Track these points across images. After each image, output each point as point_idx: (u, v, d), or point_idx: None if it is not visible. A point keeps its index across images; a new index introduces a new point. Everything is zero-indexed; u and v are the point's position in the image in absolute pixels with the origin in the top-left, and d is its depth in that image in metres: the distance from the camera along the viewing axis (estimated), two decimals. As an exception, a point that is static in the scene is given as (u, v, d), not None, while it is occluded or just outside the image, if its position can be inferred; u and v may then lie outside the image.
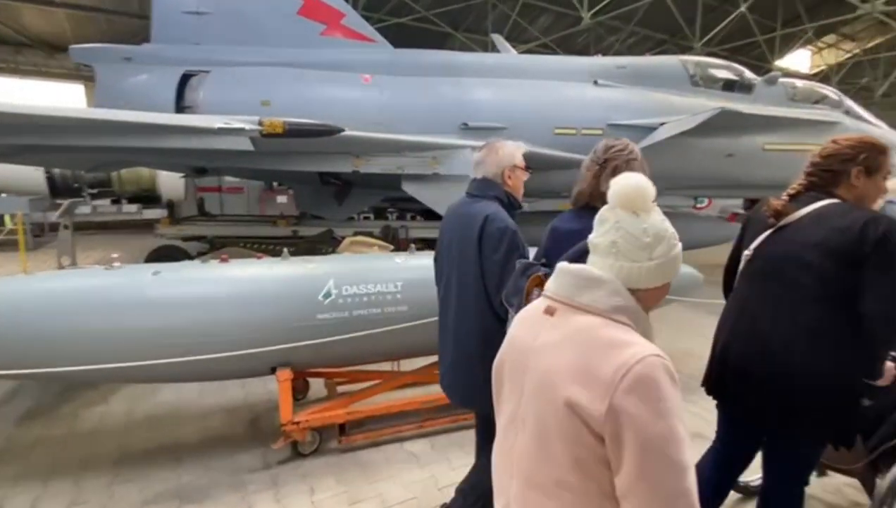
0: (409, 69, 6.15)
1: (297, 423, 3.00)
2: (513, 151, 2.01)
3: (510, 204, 1.98)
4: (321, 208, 6.87)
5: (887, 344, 1.66)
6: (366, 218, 8.76)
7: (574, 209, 1.79)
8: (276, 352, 2.83)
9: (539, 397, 0.98)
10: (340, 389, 3.78)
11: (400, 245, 5.69)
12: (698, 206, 10.61)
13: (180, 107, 5.27)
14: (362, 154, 5.03)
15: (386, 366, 3.75)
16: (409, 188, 5.37)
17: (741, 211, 12.55)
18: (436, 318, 3.13)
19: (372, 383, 3.65)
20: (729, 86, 7.43)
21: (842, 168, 1.75)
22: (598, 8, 13.52)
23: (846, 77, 20.63)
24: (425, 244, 6.49)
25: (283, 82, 5.48)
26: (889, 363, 1.73)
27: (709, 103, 6.85)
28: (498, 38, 9.55)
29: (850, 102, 8.19)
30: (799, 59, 20.94)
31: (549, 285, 1.08)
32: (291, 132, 4.27)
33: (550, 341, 0.99)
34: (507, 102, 6.28)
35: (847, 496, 2.88)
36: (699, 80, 7.32)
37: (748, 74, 7.66)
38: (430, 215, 5.76)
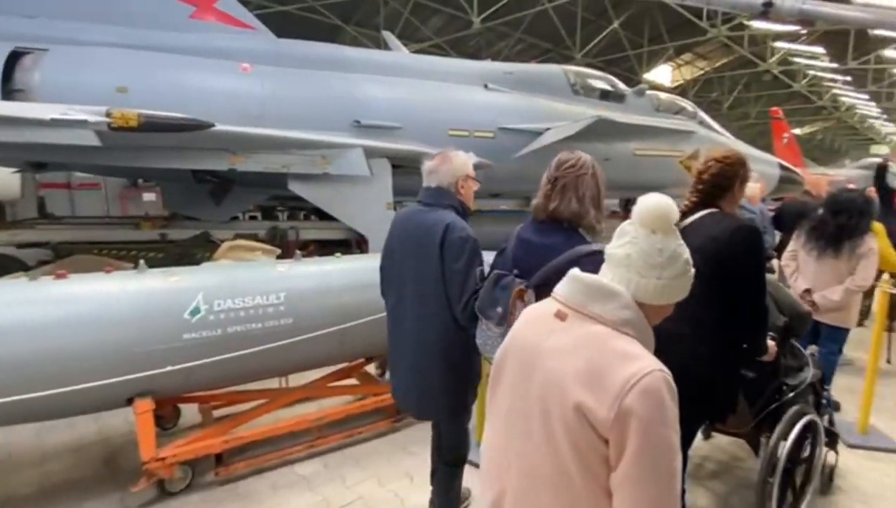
0: (294, 61, 5.79)
1: (163, 459, 2.64)
2: (465, 161, 2.07)
3: (463, 213, 2.04)
4: (195, 207, 6.21)
5: (765, 328, 2.00)
6: (252, 218, 8.15)
7: (537, 222, 1.78)
8: (131, 381, 2.46)
9: (547, 397, 1.03)
10: (218, 413, 3.43)
11: (289, 249, 5.34)
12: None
13: (7, 91, 4.40)
14: (240, 151, 4.61)
15: (273, 383, 3.48)
16: (297, 188, 5.05)
17: (618, 209, 13.88)
18: (326, 330, 3.01)
19: (256, 403, 3.36)
20: (605, 95, 8.09)
21: (728, 183, 2.01)
22: (487, 13, 14.00)
23: (699, 91, 23.74)
24: (321, 247, 6.19)
25: (143, 67, 4.83)
26: (770, 342, 2.08)
27: (588, 111, 7.39)
28: (389, 36, 9.43)
29: (702, 114, 9.41)
30: (662, 74, 23.63)
31: (561, 289, 1.13)
32: (149, 126, 3.75)
33: (561, 345, 1.05)
34: (402, 102, 6.20)
35: (731, 453, 3.31)
36: (579, 88, 7.86)
37: (621, 85, 8.42)
38: (327, 213, 5.47)
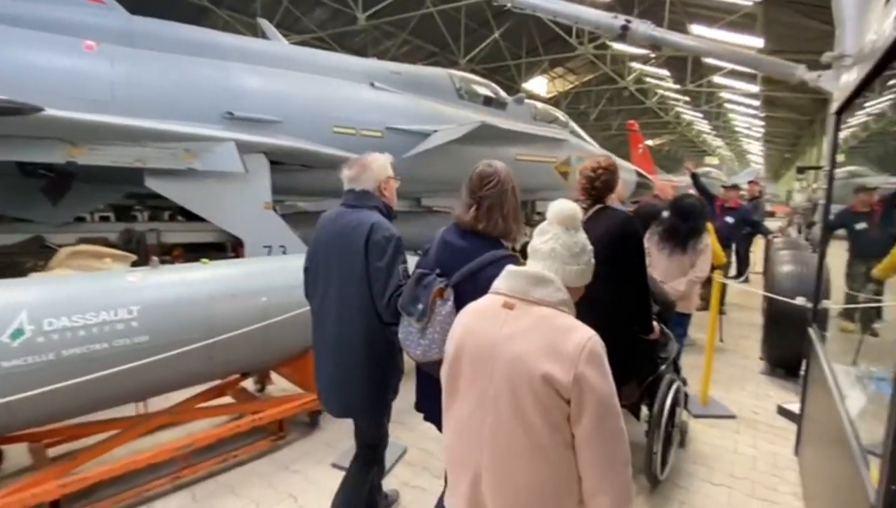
0: (153, 42, 5.13)
1: (-27, 518, 2.14)
2: (384, 163, 2.16)
3: (388, 212, 2.12)
4: (26, 207, 5.21)
5: (649, 304, 2.49)
6: (104, 219, 7.08)
7: (459, 229, 1.82)
8: (-80, 426, 1.95)
9: (514, 376, 1.20)
10: (55, 451, 2.89)
11: (147, 254, 4.72)
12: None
13: None
14: (81, 141, 3.94)
15: (129, 408, 3.02)
16: (155, 185, 4.47)
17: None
18: (191, 346, 2.68)
19: (107, 435, 2.90)
20: (488, 102, 8.41)
21: (613, 186, 2.48)
22: (373, 11, 13.83)
23: (570, 103, 25.97)
24: (187, 251, 5.56)
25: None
26: (654, 323, 2.52)
27: (472, 116, 7.62)
28: (266, 24, 8.84)
29: (573, 124, 10.27)
30: (538, 85, 25.41)
31: (502, 284, 1.32)
32: (-51, 107, 3.04)
33: (517, 329, 1.23)
34: (282, 94, 5.82)
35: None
36: (464, 93, 8.07)
37: (502, 92, 8.83)
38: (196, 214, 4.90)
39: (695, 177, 7.93)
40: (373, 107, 6.76)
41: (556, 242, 1.31)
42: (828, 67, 5.01)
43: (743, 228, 6.86)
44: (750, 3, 11.49)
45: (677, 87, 22.01)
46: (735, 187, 7.22)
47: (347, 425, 2.24)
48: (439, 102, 7.57)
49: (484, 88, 8.62)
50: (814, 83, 4.91)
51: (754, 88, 18.26)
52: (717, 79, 19.08)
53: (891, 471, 1.12)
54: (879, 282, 4.69)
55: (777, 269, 4.66)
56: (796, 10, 11.12)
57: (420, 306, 1.70)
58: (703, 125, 36.06)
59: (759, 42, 12.70)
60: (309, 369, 3.37)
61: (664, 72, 22.13)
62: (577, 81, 26.62)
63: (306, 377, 3.40)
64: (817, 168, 12.95)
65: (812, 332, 3.00)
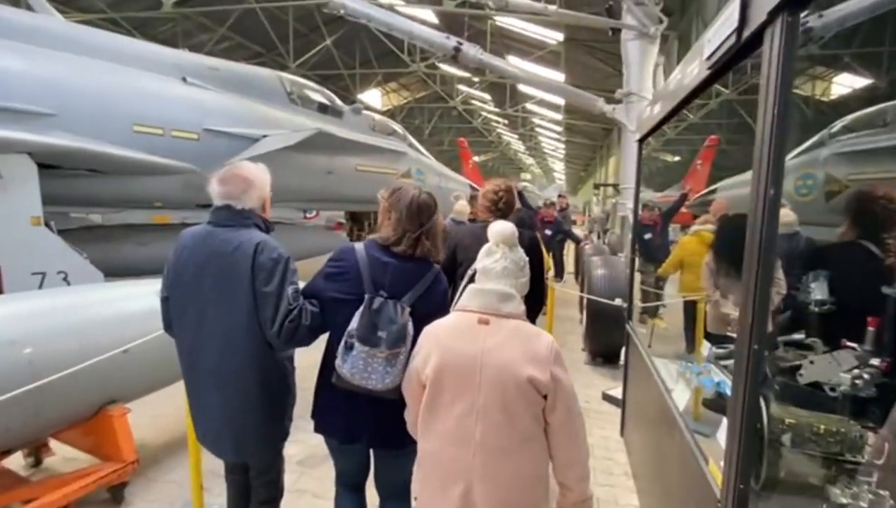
0: None
1: None
2: (266, 179, 1.95)
3: (266, 229, 1.94)
4: None
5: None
6: None
7: (381, 244, 1.79)
8: None
9: (503, 383, 1.38)
10: None
11: None
12: (307, 216, 11.25)
13: None
14: None
15: None
16: None
17: (343, 221, 14.16)
18: None
19: None
20: (323, 109, 8.02)
21: (513, 202, 2.71)
22: (183, -3, 12.21)
23: (405, 118, 26.62)
24: None
25: None
26: None
27: (307, 122, 7.18)
28: (36, -7, 7.10)
29: (411, 138, 10.44)
30: (373, 98, 25.54)
31: (472, 302, 1.48)
32: None
33: (498, 341, 1.41)
34: (59, 82, 4.65)
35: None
36: (296, 98, 7.56)
37: (339, 101, 8.52)
38: None
39: (520, 194, 8.75)
40: (186, 104, 5.87)
41: (506, 260, 1.50)
42: (619, 101, 5.93)
43: (558, 236, 7.80)
44: (555, 42, 13.23)
45: (497, 110, 24.28)
46: (552, 205, 8.18)
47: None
48: (268, 105, 6.94)
49: (318, 94, 8.21)
50: (610, 114, 5.75)
51: (558, 117, 21.14)
52: (529, 106, 21.56)
53: (739, 469, 1.21)
54: (662, 278, 5.67)
55: (591, 272, 5.30)
56: (589, 53, 13.16)
57: (383, 334, 1.64)
58: (518, 145, 40.58)
59: (561, 76, 14.73)
60: (105, 430, 2.66)
61: (487, 96, 24.22)
62: (410, 96, 27.48)
63: (102, 441, 2.66)
64: (611, 185, 15.56)
65: (629, 327, 3.40)
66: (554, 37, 13.09)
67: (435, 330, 1.52)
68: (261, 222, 1.90)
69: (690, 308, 4.34)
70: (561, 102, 18.14)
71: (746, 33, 1.27)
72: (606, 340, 5.05)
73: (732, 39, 1.34)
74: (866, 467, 1.39)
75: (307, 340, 1.80)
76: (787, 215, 4.61)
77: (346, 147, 7.55)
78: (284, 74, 7.86)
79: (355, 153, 7.93)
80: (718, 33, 1.45)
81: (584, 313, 5.66)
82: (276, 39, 14.77)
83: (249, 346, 1.81)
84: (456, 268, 2.66)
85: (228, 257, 1.79)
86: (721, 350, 2.74)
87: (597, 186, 17.45)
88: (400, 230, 1.76)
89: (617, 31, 5.95)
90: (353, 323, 1.67)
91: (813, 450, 1.41)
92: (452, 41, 5.56)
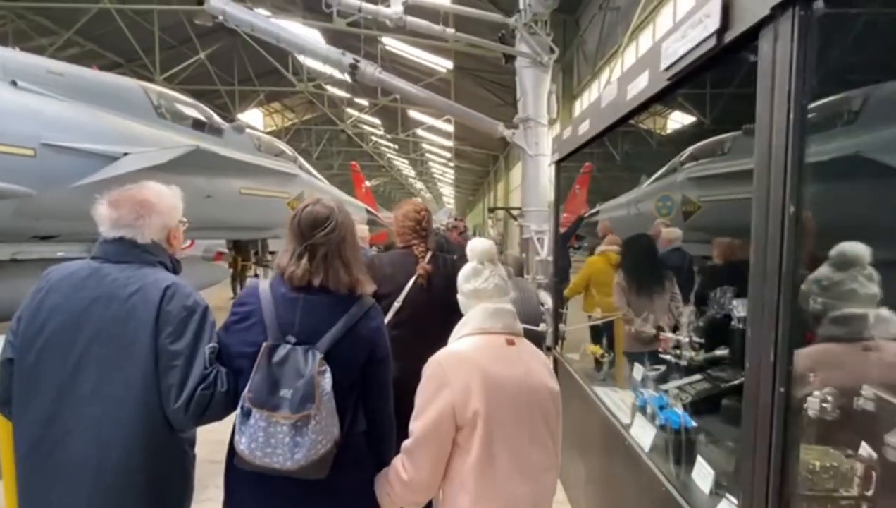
0: None
1: None
2: (174, 203, 1.51)
3: (174, 267, 1.50)
4: None
5: None
6: None
7: (285, 280, 1.41)
8: None
9: (541, 404, 1.39)
10: None
11: None
12: (182, 247, 9.91)
13: None
14: None
15: None
16: None
17: (225, 250, 12.67)
18: None
19: None
20: (199, 125, 7.10)
21: (431, 224, 2.49)
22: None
23: (291, 140, 25.31)
24: None
25: None
26: None
27: (180, 139, 6.27)
28: None
29: (301, 159, 9.75)
30: (254, 118, 24.00)
31: (495, 324, 1.41)
32: None
33: (527, 361, 1.41)
34: None
35: None
36: (165, 112, 6.59)
37: (217, 117, 7.65)
38: None
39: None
40: (17, 113, 4.73)
41: (495, 278, 1.45)
42: (515, 126, 6.04)
43: (463, 259, 7.69)
44: (444, 71, 13.52)
45: (389, 135, 24.24)
46: (455, 228, 8.07)
47: None
48: (130, 118, 5.92)
49: (192, 109, 7.27)
50: (510, 139, 5.82)
51: (449, 143, 21.68)
52: (419, 131, 21.84)
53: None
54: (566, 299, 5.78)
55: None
56: (476, 82, 13.67)
57: (286, 392, 1.26)
58: (409, 170, 40.98)
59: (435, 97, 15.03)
60: None
61: (377, 120, 24.07)
62: (296, 118, 26.31)
63: None
64: (507, 208, 16.15)
65: (557, 355, 3.27)
66: (444, 64, 13.37)
67: (468, 356, 1.36)
68: (167, 260, 1.47)
69: (605, 329, 4.38)
70: (451, 128, 18.60)
71: (732, 35, 1.14)
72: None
73: (710, 43, 1.21)
74: (858, 501, 1.31)
75: (221, 412, 1.37)
76: (675, 232, 4.93)
77: (229, 168, 6.73)
78: (151, 85, 6.84)
79: (239, 175, 7.11)
80: (684, 40, 1.32)
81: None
82: (138, 49, 13.08)
83: (141, 427, 1.32)
84: (379, 301, 2.30)
85: (123, 304, 1.34)
86: (653, 372, 2.71)
87: (492, 210, 18.02)
88: (287, 253, 1.42)
89: (510, 59, 6.11)
90: (248, 382, 1.29)
91: (812, 490, 1.29)
92: (349, 57, 5.22)
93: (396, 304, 2.25)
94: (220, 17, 5.06)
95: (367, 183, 25.68)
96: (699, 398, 2.09)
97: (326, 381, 1.29)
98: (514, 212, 15.72)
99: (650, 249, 3.87)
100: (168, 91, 7.31)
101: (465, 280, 1.47)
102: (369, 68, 5.32)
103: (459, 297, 1.51)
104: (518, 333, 1.43)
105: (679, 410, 1.75)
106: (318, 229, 1.40)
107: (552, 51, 5.61)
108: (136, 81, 6.65)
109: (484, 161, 25.96)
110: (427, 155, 29.84)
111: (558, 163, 3.07)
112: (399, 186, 51.24)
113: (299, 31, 5.48)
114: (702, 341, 2.50)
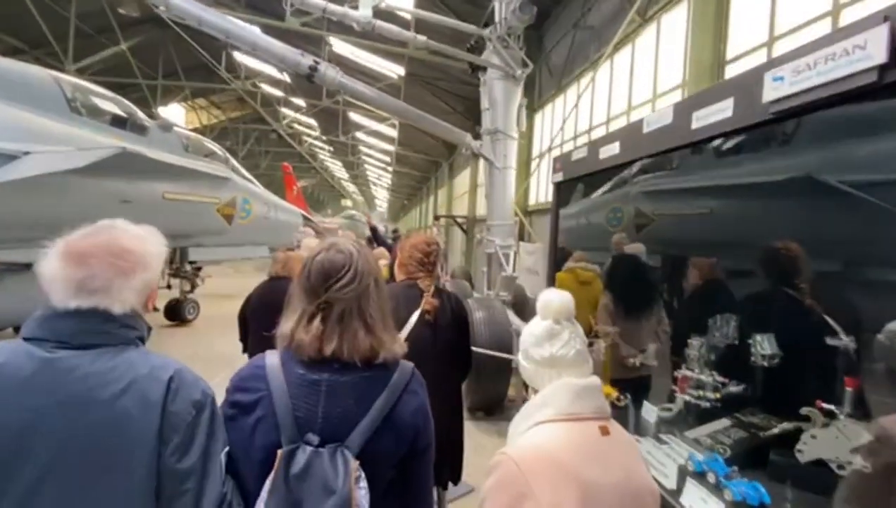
0: None
1: None
2: (161, 248, 1.13)
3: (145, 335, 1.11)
4: None
5: None
6: None
7: (293, 351, 1.09)
8: None
9: (640, 497, 1.10)
10: None
11: None
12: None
13: None
14: None
15: None
16: None
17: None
18: None
19: None
20: (119, 122, 6.25)
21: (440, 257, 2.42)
22: None
23: (217, 139, 23.55)
24: None
25: None
26: None
27: (98, 138, 5.45)
28: None
29: (234, 161, 8.92)
30: (175, 113, 22.06)
31: (583, 406, 1.12)
32: None
33: (625, 452, 1.13)
34: None
35: None
36: (81, 107, 5.71)
37: (140, 113, 6.76)
38: None
39: (374, 230, 8.23)
40: None
41: (576, 341, 1.19)
42: (478, 136, 5.84)
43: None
44: (395, 77, 13.11)
45: (325, 137, 23.27)
46: (408, 237, 7.77)
47: None
48: (39, 112, 5.02)
49: (112, 104, 6.40)
50: (476, 150, 5.60)
51: (390, 148, 21.17)
52: (360, 135, 21.15)
53: None
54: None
55: (471, 316, 4.86)
56: (427, 89, 13.41)
57: None
58: (343, 173, 39.82)
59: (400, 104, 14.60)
60: None
61: (313, 122, 23.04)
62: (222, 115, 24.56)
63: None
64: (451, 217, 15.94)
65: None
66: (396, 70, 12.97)
67: (555, 457, 1.02)
68: (145, 331, 1.08)
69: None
70: (394, 133, 18.14)
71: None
72: (490, 391, 4.66)
73: (864, 79, 1.01)
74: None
75: None
76: (637, 246, 4.89)
77: (153, 170, 5.93)
78: (64, 76, 5.90)
79: (163, 178, 6.31)
80: (811, 73, 1.13)
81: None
82: (49, 34, 11.45)
83: None
84: None
85: (106, 411, 0.92)
86: (666, 412, 2.54)
87: (437, 218, 17.75)
88: (294, 314, 1.13)
89: (477, 70, 5.90)
90: (261, 501, 0.98)
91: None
92: (308, 59, 4.72)
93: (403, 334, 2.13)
94: (162, 8, 4.38)
95: (299, 185, 24.57)
96: (740, 449, 1.95)
97: (363, 495, 0.99)
98: (461, 221, 15.78)
99: (637, 269, 3.79)
100: (84, 83, 6.37)
101: (537, 344, 1.19)
102: (330, 71, 4.86)
103: (526, 364, 1.22)
104: (609, 415, 1.15)
105: (741, 478, 1.54)
106: (333, 280, 1.12)
107: (525, 65, 5.47)
108: (47, 70, 5.70)
109: (425, 167, 25.70)
110: (364, 158, 29.09)
111: (561, 185, 2.85)
112: (329, 188, 49.73)
113: (246, 27, 4.88)
114: (724, 380, 2.38)
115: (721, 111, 1.46)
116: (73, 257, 0.96)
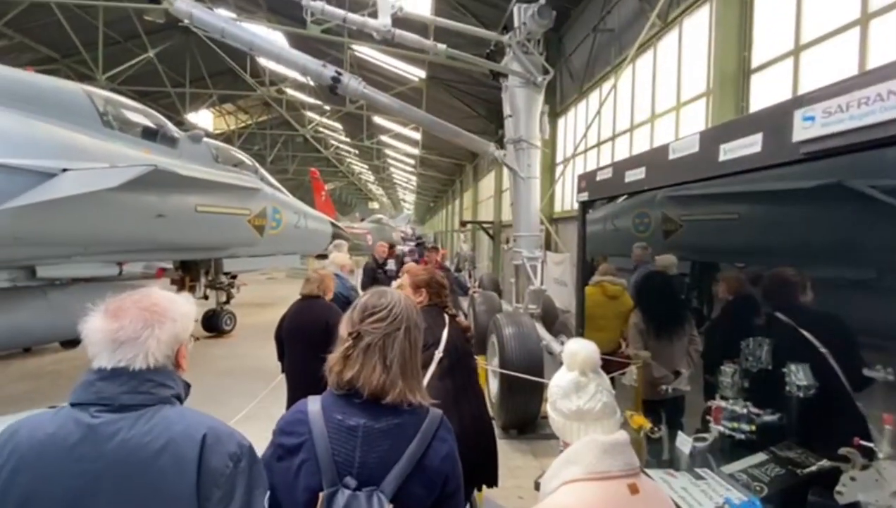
0: None
1: None
2: (189, 307, 1.21)
3: (184, 392, 1.16)
4: None
5: None
6: None
7: (341, 393, 1.21)
8: None
9: None
10: None
11: None
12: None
13: None
14: None
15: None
16: None
17: (169, 266, 11.78)
18: None
19: None
20: (150, 134, 6.49)
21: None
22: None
23: (245, 143, 24.24)
24: None
25: None
26: None
27: (130, 152, 5.67)
28: None
29: (263, 170, 9.13)
30: (204, 119, 22.79)
31: (611, 463, 1.11)
32: None
33: None
34: None
35: None
36: (112, 120, 5.95)
37: (170, 125, 7.01)
38: None
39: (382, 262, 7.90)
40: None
41: (603, 394, 1.20)
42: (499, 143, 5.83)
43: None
44: (416, 80, 13.22)
45: (351, 141, 23.63)
46: (434, 249, 7.74)
47: None
48: (71, 127, 5.27)
49: (142, 116, 6.64)
50: (501, 160, 5.59)
51: (415, 151, 21.34)
52: (385, 138, 21.40)
53: None
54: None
55: (499, 332, 4.84)
56: (449, 93, 13.46)
57: None
58: (369, 176, 40.31)
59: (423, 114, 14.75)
60: None
61: (338, 125, 23.41)
62: (249, 120, 25.22)
63: None
64: (478, 222, 15.99)
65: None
66: (417, 74, 13.07)
67: None
68: (181, 389, 1.14)
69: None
70: (418, 136, 18.27)
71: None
72: (523, 409, 4.65)
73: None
74: None
75: None
76: (669, 259, 4.73)
77: (186, 184, 6.14)
78: (95, 89, 6.16)
79: (196, 191, 6.51)
80: (848, 115, 1.09)
81: (492, 377, 5.18)
82: (78, 44, 12.01)
83: None
84: None
85: (146, 473, 0.98)
86: (701, 443, 2.48)
87: (463, 223, 17.74)
88: (339, 344, 1.26)
89: (498, 76, 5.90)
90: None
91: None
92: (331, 70, 4.82)
93: (438, 354, 2.34)
94: (187, 21, 4.55)
95: (326, 188, 25.01)
96: (778, 487, 1.89)
97: None
98: (486, 226, 15.74)
99: (667, 285, 3.70)
100: (115, 96, 6.64)
101: (564, 396, 1.21)
102: (353, 82, 4.94)
103: (554, 416, 1.24)
104: (639, 470, 1.15)
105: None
106: (368, 313, 1.26)
107: (546, 71, 5.44)
108: (78, 84, 5.97)
109: (450, 170, 25.79)
110: (389, 162, 29.39)
111: (586, 205, 2.83)
112: (356, 191, 50.38)
113: (270, 37, 5.02)
114: (759, 411, 2.32)
115: (749, 145, 1.43)
116: (110, 313, 1.08)
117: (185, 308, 1.19)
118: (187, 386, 1.18)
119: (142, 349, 1.06)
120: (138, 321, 1.07)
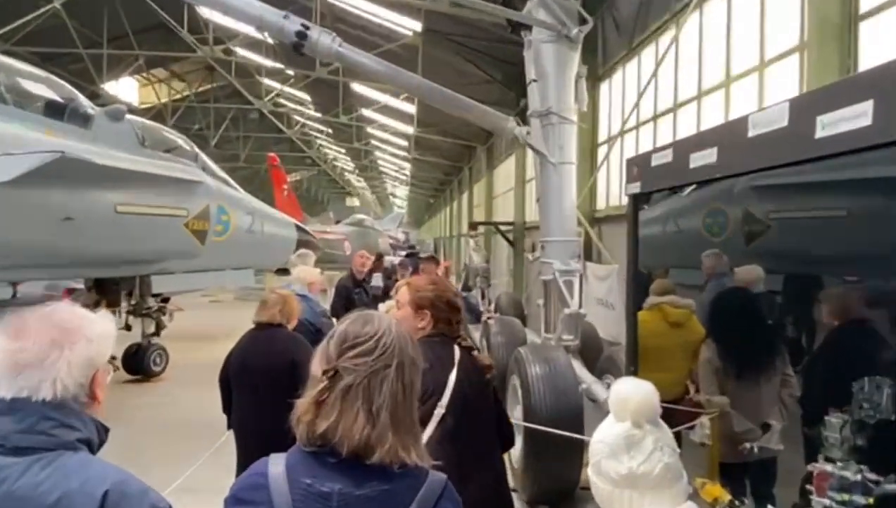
0: None
1: None
2: (109, 326, 1.33)
3: (102, 433, 1.28)
4: None
5: None
6: None
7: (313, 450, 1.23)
8: None
9: None
10: None
11: None
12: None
13: None
14: None
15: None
16: None
17: (79, 285, 11.91)
18: None
19: None
20: (56, 111, 6.62)
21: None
22: None
23: (179, 120, 24.54)
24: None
25: None
26: None
27: (27, 134, 5.78)
28: None
29: (205, 157, 9.24)
30: (127, 89, 23.10)
31: None
32: None
33: None
34: None
35: None
36: (5, 92, 6.08)
37: (82, 98, 7.13)
38: None
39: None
40: None
41: (664, 453, 1.22)
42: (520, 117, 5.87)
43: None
44: (410, 34, 13.38)
45: (319, 116, 23.87)
46: (433, 258, 7.84)
47: None
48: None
49: (44, 85, 6.80)
50: (523, 139, 5.65)
51: (409, 129, 21.56)
52: (367, 112, 21.61)
53: None
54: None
55: (523, 371, 4.82)
56: (452, 50, 13.60)
57: None
58: (347, 163, 40.57)
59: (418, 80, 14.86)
60: None
61: (305, 96, 23.66)
62: (185, 90, 25.53)
63: None
64: (493, 224, 16.05)
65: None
66: (410, 26, 13.22)
67: None
68: (93, 431, 1.22)
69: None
70: (412, 109, 18.44)
71: None
72: (556, 477, 4.65)
73: None
74: None
75: None
76: (755, 271, 4.67)
77: (102, 176, 6.21)
78: (-17, 56, 6.31)
79: (116, 186, 6.60)
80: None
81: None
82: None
83: None
84: None
85: None
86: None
87: (474, 225, 17.81)
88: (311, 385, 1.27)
89: (519, 28, 5.97)
90: None
91: None
92: (295, 23, 4.88)
93: (439, 410, 2.27)
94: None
95: (289, 180, 25.23)
96: None
97: None
98: (505, 229, 15.77)
99: (752, 307, 3.67)
100: (8, 60, 6.78)
101: (612, 456, 1.23)
102: (324, 38, 5.00)
103: (598, 483, 1.28)
104: None
105: None
106: (348, 345, 1.27)
107: (584, 20, 5.50)
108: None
109: (455, 154, 25.99)
110: (375, 144, 29.63)
111: (638, 199, 2.86)
112: (330, 183, 50.74)
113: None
114: (878, 477, 2.30)
115: (856, 117, 1.44)
116: (10, 332, 1.15)
117: (102, 327, 1.26)
118: (104, 430, 1.23)
119: (48, 375, 1.12)
120: (44, 341, 1.14)
